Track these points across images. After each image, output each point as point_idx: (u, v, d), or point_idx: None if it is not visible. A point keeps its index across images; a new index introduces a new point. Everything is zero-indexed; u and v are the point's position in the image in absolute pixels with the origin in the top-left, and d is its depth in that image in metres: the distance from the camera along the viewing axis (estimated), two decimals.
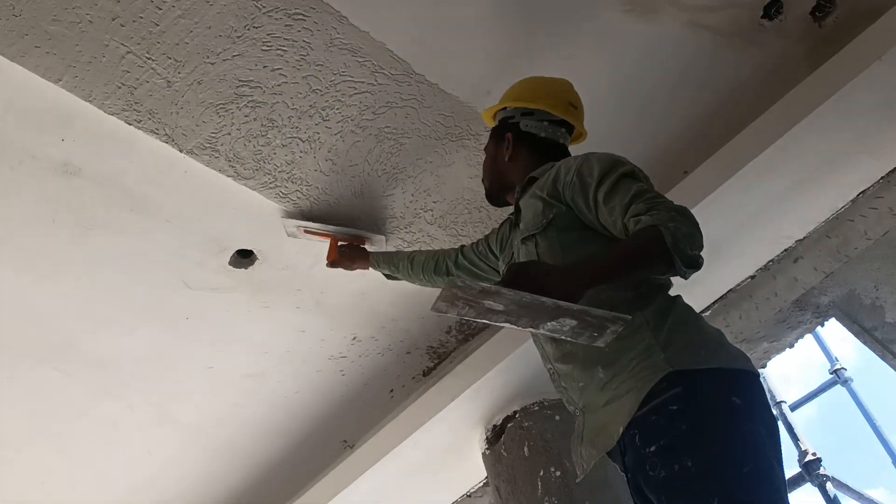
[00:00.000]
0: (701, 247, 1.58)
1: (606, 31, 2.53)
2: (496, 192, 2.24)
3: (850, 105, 2.56)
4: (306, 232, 2.72)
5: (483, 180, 2.30)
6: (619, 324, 1.50)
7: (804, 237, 3.02)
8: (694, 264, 1.57)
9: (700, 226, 1.60)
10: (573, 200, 1.84)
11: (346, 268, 2.75)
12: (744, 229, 2.87)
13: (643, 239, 1.59)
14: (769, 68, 2.73)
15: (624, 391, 1.64)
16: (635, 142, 2.79)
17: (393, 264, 2.67)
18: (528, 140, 2.13)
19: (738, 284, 3.14)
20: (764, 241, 2.98)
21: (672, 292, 1.81)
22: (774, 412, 4.43)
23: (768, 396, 4.35)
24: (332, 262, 2.71)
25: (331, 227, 2.72)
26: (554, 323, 1.50)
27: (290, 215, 2.70)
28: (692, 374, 1.59)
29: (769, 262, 3.08)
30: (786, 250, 3.05)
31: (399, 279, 2.71)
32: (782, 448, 1.63)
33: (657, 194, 1.69)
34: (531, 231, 1.95)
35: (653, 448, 1.54)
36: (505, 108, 2.21)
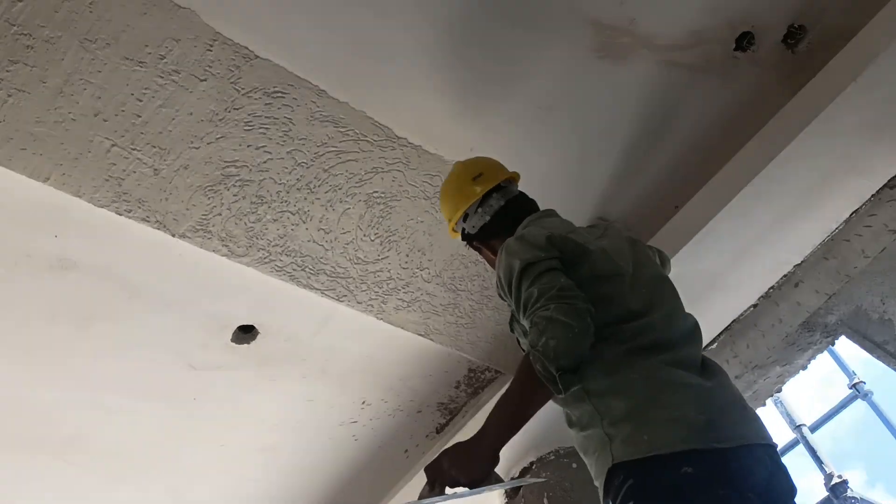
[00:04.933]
0: (572, 352, 1.63)
1: (582, 79, 2.56)
2: None
3: (831, 127, 2.57)
4: None
5: None
6: (530, 481, 1.68)
7: (802, 261, 3.01)
8: (564, 387, 1.64)
9: (586, 319, 1.66)
10: None
11: None
12: (740, 259, 2.87)
13: (519, 383, 1.73)
14: (748, 98, 2.75)
15: (598, 484, 1.72)
16: (623, 182, 2.82)
17: None
18: (486, 231, 2.20)
19: (742, 314, 3.13)
20: (762, 268, 2.98)
21: None
22: (794, 436, 4.37)
23: (787, 421, 4.33)
24: None
25: None
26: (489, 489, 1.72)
27: None
28: (639, 462, 1.60)
29: (770, 289, 3.08)
30: (785, 276, 3.04)
31: None
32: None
33: (537, 298, 1.73)
34: (509, 319, 2.03)
35: None
36: (455, 228, 2.30)
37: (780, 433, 4.59)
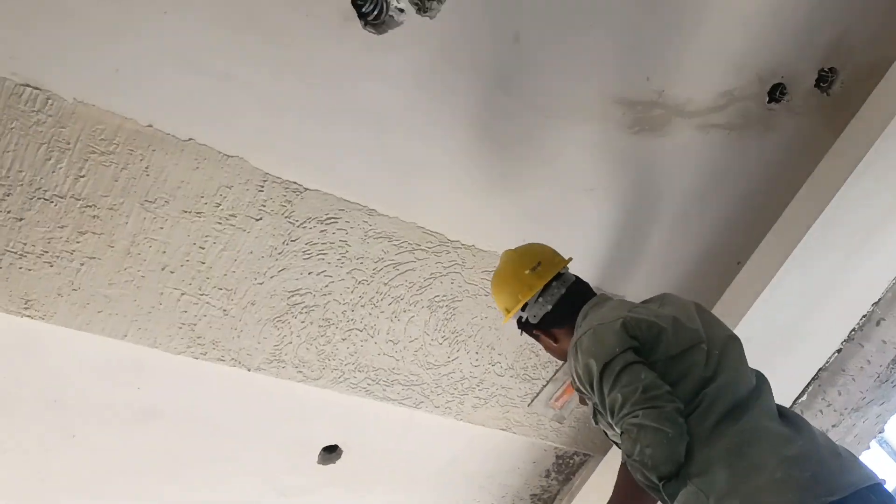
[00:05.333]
0: (670, 458, 1.64)
1: (620, 156, 2.58)
2: None
3: (882, 162, 2.56)
4: None
5: None
6: None
7: (879, 299, 2.93)
8: (669, 495, 1.65)
9: (677, 421, 1.66)
10: None
11: None
12: (815, 306, 2.81)
13: (622, 494, 1.80)
14: (792, 146, 2.74)
15: None
16: (679, 249, 2.80)
17: None
18: (548, 319, 2.17)
19: (827, 362, 3.04)
20: (839, 312, 2.91)
21: None
22: None
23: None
24: None
25: None
26: None
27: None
28: None
29: (851, 331, 2.99)
30: (865, 316, 2.96)
31: None
32: None
33: (622, 404, 1.73)
34: (591, 414, 2.00)
35: None
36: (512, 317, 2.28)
37: (890, 476, 4.37)
